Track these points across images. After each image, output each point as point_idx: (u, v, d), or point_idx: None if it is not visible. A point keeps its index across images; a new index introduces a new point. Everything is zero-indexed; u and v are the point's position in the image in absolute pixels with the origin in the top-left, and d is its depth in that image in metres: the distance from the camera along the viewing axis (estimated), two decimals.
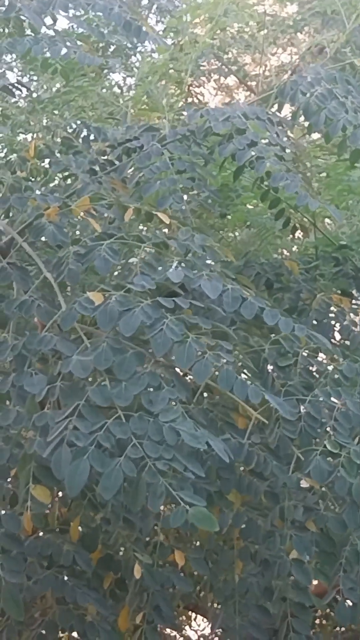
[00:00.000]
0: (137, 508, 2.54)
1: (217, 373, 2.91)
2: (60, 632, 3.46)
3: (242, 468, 3.21)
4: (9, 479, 2.99)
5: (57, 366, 2.81)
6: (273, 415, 3.18)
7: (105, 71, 5.00)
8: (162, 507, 3.29)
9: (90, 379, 2.94)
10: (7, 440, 2.90)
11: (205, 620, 5.86)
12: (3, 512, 2.87)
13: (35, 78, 4.84)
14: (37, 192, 3.68)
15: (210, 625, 5.84)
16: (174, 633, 5.36)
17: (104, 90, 4.86)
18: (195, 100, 5.34)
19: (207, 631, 6.11)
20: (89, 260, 3.00)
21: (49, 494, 2.73)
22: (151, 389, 2.75)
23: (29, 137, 4.49)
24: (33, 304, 2.98)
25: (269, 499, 3.21)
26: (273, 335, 3.40)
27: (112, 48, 5.41)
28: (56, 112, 4.54)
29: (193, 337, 2.74)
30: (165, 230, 3.46)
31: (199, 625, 6.15)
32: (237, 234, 4.57)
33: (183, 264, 2.96)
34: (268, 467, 3.11)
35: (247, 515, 3.25)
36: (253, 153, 3.34)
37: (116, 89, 5.30)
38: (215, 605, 4.78)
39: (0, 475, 2.91)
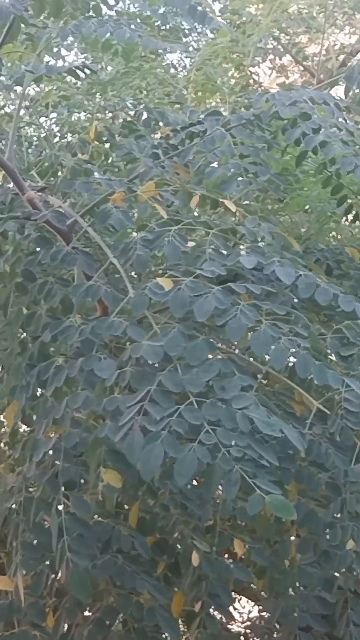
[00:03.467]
0: (211, 495, 2.51)
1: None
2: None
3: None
4: None
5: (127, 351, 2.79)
6: (335, 406, 3.15)
7: (161, 52, 4.96)
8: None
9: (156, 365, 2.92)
10: (75, 424, 2.89)
11: (249, 601, 5.87)
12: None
13: (91, 59, 4.81)
14: (96, 174, 3.67)
15: (256, 610, 5.85)
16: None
17: (161, 71, 4.83)
18: (251, 81, 5.30)
19: (253, 614, 6.12)
20: (157, 247, 2.97)
21: (120, 478, 2.71)
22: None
23: (87, 118, 4.46)
24: (100, 289, 2.96)
25: (330, 490, 3.18)
26: (332, 323, 3.36)
27: (166, 28, 5.36)
28: (114, 93, 4.51)
29: (267, 323, 2.71)
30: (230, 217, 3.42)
31: (243, 607, 6.16)
32: (294, 218, 4.51)
33: (253, 250, 2.92)
34: (330, 458, 3.08)
35: (307, 505, 3.23)
36: (321, 138, 3.29)
37: (172, 70, 5.26)
38: (263, 593, 4.79)
39: (69, 459, 2.90)
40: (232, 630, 5.70)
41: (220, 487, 2.59)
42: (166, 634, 3.30)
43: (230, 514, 3.35)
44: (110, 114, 4.30)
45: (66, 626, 3.34)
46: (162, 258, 3.53)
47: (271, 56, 5.96)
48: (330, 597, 3.26)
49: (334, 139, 3.29)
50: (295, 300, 2.94)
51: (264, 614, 5.71)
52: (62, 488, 2.93)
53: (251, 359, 3.06)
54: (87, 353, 2.84)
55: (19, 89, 4.09)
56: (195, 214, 3.87)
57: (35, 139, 4.67)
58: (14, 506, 3.23)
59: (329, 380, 2.69)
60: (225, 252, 3.06)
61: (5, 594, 3.42)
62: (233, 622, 6.25)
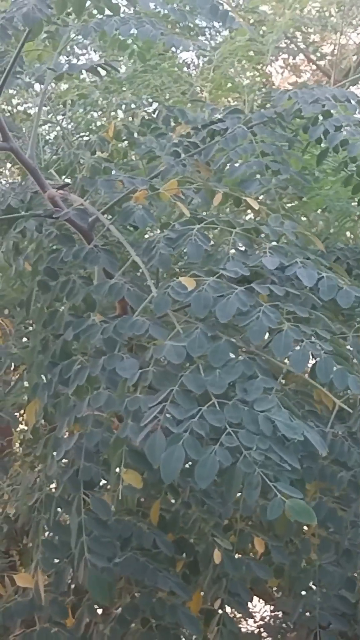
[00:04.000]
0: (232, 498, 2.51)
1: None
2: None
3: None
4: None
5: (149, 351, 2.79)
6: (358, 404, 3.14)
7: (175, 51, 4.95)
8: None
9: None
10: (96, 424, 2.89)
11: (260, 600, 5.88)
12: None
13: (106, 59, 4.80)
14: (113, 171, 3.66)
15: (272, 610, 5.85)
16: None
17: (176, 70, 4.82)
18: (264, 80, 5.28)
19: (266, 614, 6.13)
20: (179, 246, 2.96)
21: (140, 478, 2.72)
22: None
23: (104, 116, 4.46)
24: (123, 287, 2.95)
25: (353, 489, 3.18)
26: (353, 322, 3.35)
27: (180, 26, 5.35)
28: (131, 91, 4.51)
29: (289, 325, 2.70)
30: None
31: (254, 606, 6.17)
32: (311, 218, 4.50)
33: (276, 251, 2.91)
34: (352, 456, 3.08)
35: (328, 504, 3.22)
36: (343, 135, 3.28)
37: (185, 69, 5.26)
38: (276, 592, 4.80)
39: (90, 458, 2.90)
40: (243, 630, 5.73)
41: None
42: (187, 631, 3.29)
43: (250, 514, 3.35)
44: (127, 113, 4.29)
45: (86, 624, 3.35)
46: (180, 258, 3.54)
47: (284, 55, 5.94)
48: (352, 596, 3.26)
49: (357, 137, 3.27)
50: (316, 301, 2.92)
51: (277, 613, 5.73)
52: (82, 487, 2.94)
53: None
54: (110, 352, 2.84)
55: (37, 87, 4.10)
56: (214, 212, 3.87)
57: (52, 137, 4.68)
58: (34, 504, 3.24)
59: (349, 384, 2.69)
60: (247, 251, 3.06)
61: (24, 591, 3.44)
62: (245, 621, 6.28)
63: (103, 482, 3.16)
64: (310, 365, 2.99)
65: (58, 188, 3.39)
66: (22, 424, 4.59)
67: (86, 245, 3.17)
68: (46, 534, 3.19)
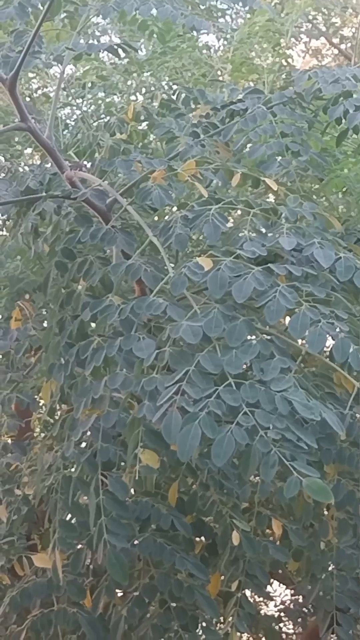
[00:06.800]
0: (249, 477, 2.49)
1: None
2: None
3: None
4: None
5: (166, 331, 2.78)
6: None
7: (194, 33, 4.92)
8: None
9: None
10: (114, 405, 2.89)
11: (280, 585, 5.88)
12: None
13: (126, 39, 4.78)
14: (133, 153, 3.64)
15: (292, 594, 5.86)
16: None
17: (196, 52, 4.79)
18: (284, 63, 5.23)
19: (286, 598, 6.14)
20: (197, 226, 2.95)
21: (158, 458, 2.71)
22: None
23: (123, 99, 4.45)
24: (140, 268, 2.94)
25: None
26: None
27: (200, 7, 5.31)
28: (150, 73, 4.49)
29: (307, 305, 2.68)
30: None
31: (274, 590, 6.18)
32: (331, 200, 4.46)
33: (294, 231, 2.89)
34: None
35: (347, 487, 3.20)
36: None
37: (205, 51, 5.21)
38: (294, 575, 4.79)
39: (107, 439, 2.90)
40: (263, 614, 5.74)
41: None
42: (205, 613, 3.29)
43: (267, 496, 3.35)
44: (147, 95, 4.27)
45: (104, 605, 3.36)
46: (200, 242, 3.51)
47: (305, 39, 5.89)
48: None
49: None
50: (336, 282, 2.89)
51: (297, 597, 5.73)
52: (100, 468, 2.94)
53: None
54: (127, 333, 2.83)
55: (55, 70, 4.08)
56: (233, 193, 3.85)
57: (71, 120, 4.66)
58: (51, 485, 3.25)
59: None
60: (265, 232, 3.03)
61: (42, 573, 3.45)
62: (266, 605, 6.30)
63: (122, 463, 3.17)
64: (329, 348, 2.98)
65: (73, 167, 3.37)
66: (41, 409, 4.61)
67: (104, 225, 3.16)
68: (64, 514, 3.19)
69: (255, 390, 2.57)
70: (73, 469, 3.21)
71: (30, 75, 4.92)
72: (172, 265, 2.98)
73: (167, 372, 2.72)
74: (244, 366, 2.68)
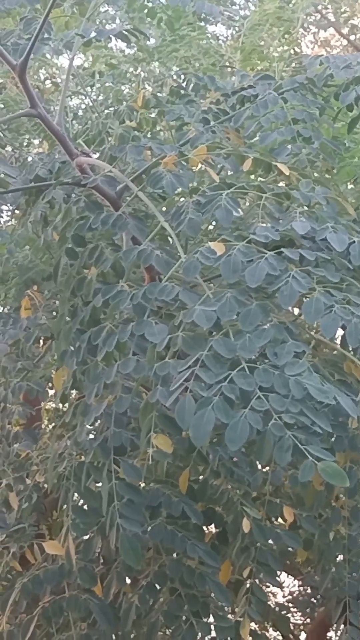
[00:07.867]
0: (265, 461, 2.48)
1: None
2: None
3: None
4: None
5: (179, 316, 2.76)
6: None
7: (203, 23, 4.90)
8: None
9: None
10: (126, 390, 2.88)
11: (289, 576, 5.88)
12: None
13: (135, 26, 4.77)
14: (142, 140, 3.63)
15: (300, 585, 5.85)
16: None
17: (205, 41, 4.78)
18: (292, 52, 5.22)
19: (294, 589, 6.13)
20: (209, 211, 2.93)
21: (171, 443, 2.70)
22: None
23: (133, 86, 4.43)
24: (152, 253, 2.93)
25: None
26: None
27: None
28: (159, 62, 4.47)
29: (320, 290, 2.66)
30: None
31: (283, 581, 6.18)
32: (342, 190, 4.45)
33: (306, 215, 2.87)
34: None
35: (358, 474, 3.19)
36: None
37: (213, 41, 5.20)
38: (302, 566, 4.78)
39: (120, 424, 2.89)
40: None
41: None
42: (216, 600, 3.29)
43: (279, 484, 3.34)
44: (156, 83, 4.25)
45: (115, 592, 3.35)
46: (208, 231, 3.49)
47: (314, 29, 5.88)
48: None
49: None
50: (350, 268, 2.88)
51: (305, 588, 5.73)
52: (113, 453, 2.93)
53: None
54: (139, 318, 2.82)
55: (63, 61, 4.07)
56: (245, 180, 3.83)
57: (80, 109, 4.65)
58: (64, 471, 3.24)
59: None
60: (278, 216, 3.02)
61: (52, 560, 3.45)
62: (274, 596, 6.29)
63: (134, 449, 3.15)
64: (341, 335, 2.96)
65: (81, 154, 3.36)
66: (51, 400, 4.60)
67: (114, 212, 3.14)
68: (76, 500, 3.19)
69: (269, 374, 2.55)
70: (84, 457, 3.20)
71: (39, 65, 4.90)
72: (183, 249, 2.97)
73: (181, 358, 2.71)
74: (257, 352, 2.67)
